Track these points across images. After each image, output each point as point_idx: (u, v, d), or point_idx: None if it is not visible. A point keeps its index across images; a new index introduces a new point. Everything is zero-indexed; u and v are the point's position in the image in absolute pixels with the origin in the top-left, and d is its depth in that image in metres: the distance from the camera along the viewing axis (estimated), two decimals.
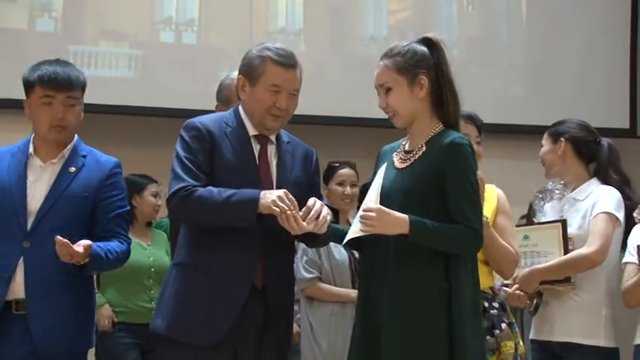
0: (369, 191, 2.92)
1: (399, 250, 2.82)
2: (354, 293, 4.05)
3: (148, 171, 4.97)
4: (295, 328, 4.66)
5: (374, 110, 6.36)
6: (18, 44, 5.72)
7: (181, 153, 3.00)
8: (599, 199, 3.66)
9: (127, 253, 3.30)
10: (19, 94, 3.34)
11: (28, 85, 3.26)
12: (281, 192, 2.87)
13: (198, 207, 2.92)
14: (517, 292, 3.57)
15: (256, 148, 3.08)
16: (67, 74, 3.23)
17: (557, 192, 3.76)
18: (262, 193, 2.88)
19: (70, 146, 3.30)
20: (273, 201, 2.83)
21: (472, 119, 3.52)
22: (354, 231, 2.86)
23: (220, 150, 3.01)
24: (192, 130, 3.03)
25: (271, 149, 3.11)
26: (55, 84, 3.21)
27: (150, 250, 4.69)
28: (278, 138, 3.14)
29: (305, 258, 4.38)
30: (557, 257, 3.60)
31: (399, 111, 2.96)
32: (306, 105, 5.86)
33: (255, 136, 3.09)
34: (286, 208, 2.83)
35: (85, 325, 3.28)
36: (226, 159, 3.01)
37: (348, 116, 6.09)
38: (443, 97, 2.96)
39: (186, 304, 2.99)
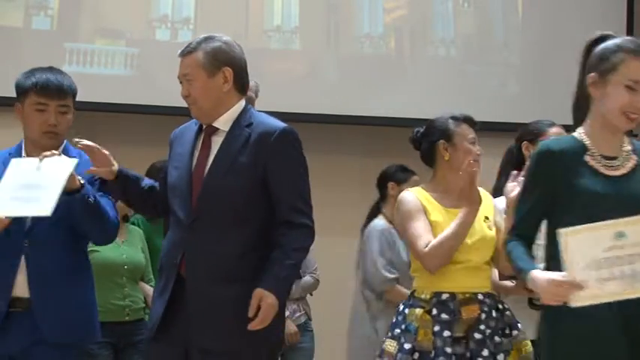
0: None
1: None
2: None
3: (143, 169, 4.96)
4: (292, 327, 4.68)
5: (369, 108, 6.42)
6: (14, 42, 5.73)
7: None
8: None
9: (115, 222, 3.36)
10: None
11: (22, 91, 3.33)
12: None
13: None
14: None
15: (202, 139, 3.16)
16: (60, 82, 3.31)
17: None
18: None
19: (60, 149, 3.33)
20: None
21: (472, 121, 3.51)
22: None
23: (174, 150, 3.22)
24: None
25: (218, 138, 3.12)
26: (47, 92, 3.29)
27: (123, 248, 4.64)
28: (236, 124, 3.11)
29: (382, 259, 4.46)
30: None
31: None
32: (302, 103, 5.92)
33: (205, 128, 3.16)
34: None
35: (89, 318, 3.35)
36: (173, 156, 3.21)
37: (343, 114, 6.09)
38: None
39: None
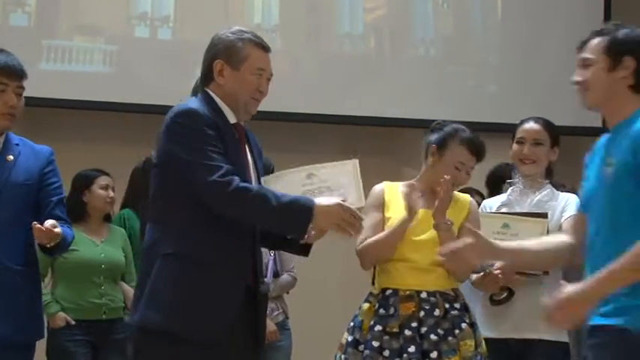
0: None
1: None
2: None
3: (120, 167, 4.91)
4: (272, 325, 4.68)
5: (349, 107, 6.42)
6: None
7: (199, 145, 2.82)
8: (570, 202, 3.76)
9: (73, 238, 3.37)
10: None
11: None
12: (339, 204, 2.87)
13: (252, 206, 2.83)
14: (499, 275, 3.58)
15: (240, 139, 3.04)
16: (19, 64, 3.26)
17: (521, 187, 3.82)
18: (317, 202, 2.87)
19: (3, 136, 3.29)
20: (338, 219, 2.87)
21: (473, 148, 3.51)
22: None
23: (224, 139, 2.90)
24: (199, 118, 2.85)
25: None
26: (9, 72, 3.23)
27: (102, 247, 4.61)
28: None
29: None
30: None
31: None
32: (282, 102, 5.91)
33: (233, 124, 2.99)
34: (349, 226, 2.88)
35: (35, 315, 3.31)
36: (227, 148, 2.90)
37: (323, 113, 6.09)
38: None
39: (188, 298, 2.83)
